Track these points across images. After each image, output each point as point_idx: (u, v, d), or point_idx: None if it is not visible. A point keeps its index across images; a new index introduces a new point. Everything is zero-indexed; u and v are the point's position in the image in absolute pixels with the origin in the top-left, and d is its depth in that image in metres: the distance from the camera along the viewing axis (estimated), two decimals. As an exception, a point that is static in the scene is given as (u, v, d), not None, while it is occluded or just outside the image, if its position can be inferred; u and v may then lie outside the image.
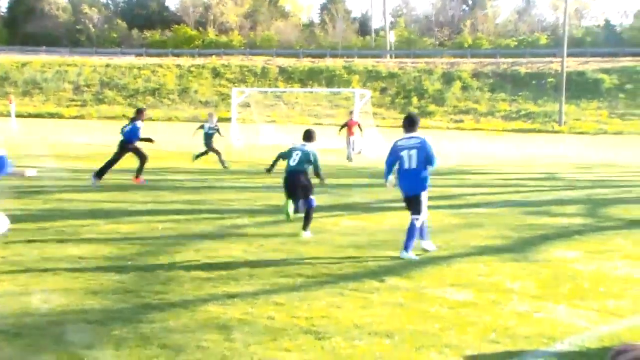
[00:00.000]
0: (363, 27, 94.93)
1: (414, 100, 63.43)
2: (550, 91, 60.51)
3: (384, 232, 12.09)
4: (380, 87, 65.36)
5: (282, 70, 71.28)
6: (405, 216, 10.86)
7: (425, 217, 10.75)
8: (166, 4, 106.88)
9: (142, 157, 18.66)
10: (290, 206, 11.94)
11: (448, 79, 65.70)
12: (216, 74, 71.76)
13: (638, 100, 57.72)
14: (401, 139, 10.71)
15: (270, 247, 10.43)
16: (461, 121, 58.23)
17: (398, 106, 63.17)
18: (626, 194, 18.97)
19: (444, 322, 7.00)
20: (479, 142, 42.27)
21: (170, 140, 34.81)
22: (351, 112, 31.94)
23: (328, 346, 6.26)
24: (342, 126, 30.53)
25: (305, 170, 12.53)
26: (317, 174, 12.57)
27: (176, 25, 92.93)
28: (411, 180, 10.62)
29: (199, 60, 75.60)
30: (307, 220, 11.82)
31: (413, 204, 10.68)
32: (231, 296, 7.77)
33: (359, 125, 30.64)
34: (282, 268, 9.13)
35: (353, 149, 30.08)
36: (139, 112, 19.07)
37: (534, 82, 62.98)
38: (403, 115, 10.81)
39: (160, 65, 73.74)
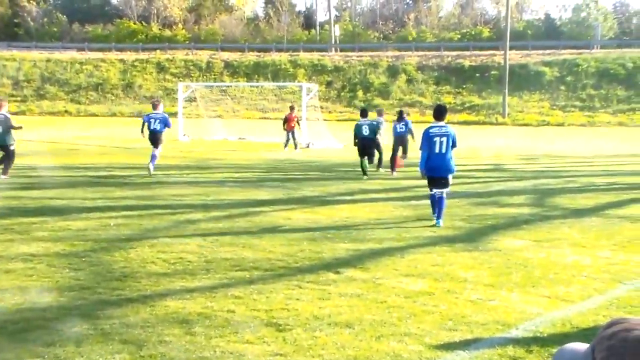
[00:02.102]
0: (308, 21, 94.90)
1: (360, 93, 63.78)
2: (493, 84, 61.40)
3: (337, 225, 12.17)
4: (326, 81, 65.53)
5: (228, 65, 70.97)
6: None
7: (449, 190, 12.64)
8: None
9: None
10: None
11: (393, 72, 66.17)
12: (161, 68, 71.12)
13: (578, 93, 58.98)
14: (432, 127, 12.44)
15: (226, 242, 10.43)
16: (407, 114, 58.70)
17: (344, 100, 63.48)
18: (571, 183, 19.40)
19: (402, 311, 7.11)
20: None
21: (115, 136, 34.41)
22: (291, 107, 32.12)
23: (289, 338, 6.31)
24: (284, 121, 30.89)
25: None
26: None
27: (119, 20, 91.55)
28: (445, 162, 12.28)
29: (143, 55, 74.79)
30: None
31: (442, 182, 12.39)
32: (189, 291, 7.77)
33: (297, 120, 31.03)
34: (238, 262, 9.15)
35: (295, 140, 30.55)
36: None
37: (477, 75, 63.83)
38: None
39: (103, 60, 72.76)
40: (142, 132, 20.75)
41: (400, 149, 22.25)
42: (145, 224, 11.95)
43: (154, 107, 21.22)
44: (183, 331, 6.43)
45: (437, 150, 12.22)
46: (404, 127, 22.50)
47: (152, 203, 14.62)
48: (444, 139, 12.20)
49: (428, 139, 12.32)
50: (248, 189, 17.21)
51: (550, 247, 10.34)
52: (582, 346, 1.66)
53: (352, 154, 28.27)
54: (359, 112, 22.10)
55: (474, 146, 31.91)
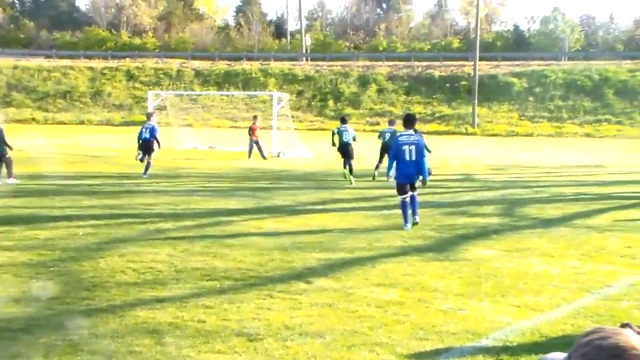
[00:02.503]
0: (279, 30, 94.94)
1: (331, 103, 63.87)
2: (463, 94, 61.82)
3: (308, 234, 12.16)
4: (297, 90, 65.53)
5: (198, 73, 70.74)
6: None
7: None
8: (76, 4, 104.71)
9: None
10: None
11: (364, 82, 66.37)
12: (130, 76, 70.68)
13: (546, 103, 59.57)
14: (401, 136, 13.32)
15: (196, 251, 10.37)
16: (377, 124, 58.78)
17: (314, 109, 63.52)
18: (539, 194, 19.57)
19: (373, 321, 7.12)
20: (395, 144, 42.81)
21: (83, 144, 34.12)
22: (254, 117, 32.30)
23: (260, 347, 6.29)
24: (249, 131, 31.02)
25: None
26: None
27: (87, 27, 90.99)
28: (414, 168, 12.96)
29: (112, 63, 74.29)
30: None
31: (413, 186, 13.07)
32: (159, 300, 7.72)
33: (252, 129, 31.10)
34: (208, 272, 9.10)
35: (260, 150, 30.64)
36: None
37: (447, 85, 64.22)
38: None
39: (71, 68, 72.13)
40: (138, 141, 22.51)
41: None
42: (114, 233, 11.85)
43: (148, 117, 23.34)
44: (153, 341, 6.38)
45: (407, 158, 12.87)
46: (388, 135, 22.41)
47: (121, 212, 14.49)
48: (413, 147, 12.87)
49: (397, 147, 13.05)
50: (218, 198, 17.15)
51: (520, 257, 10.42)
52: (561, 355, 1.68)
53: (323, 164, 28.35)
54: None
55: (443, 156, 32.10)
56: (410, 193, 12.99)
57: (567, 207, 16.46)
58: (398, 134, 20.57)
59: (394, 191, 13.80)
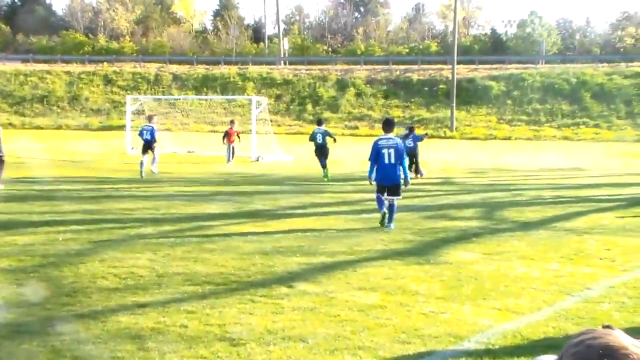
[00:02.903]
0: (256, 34, 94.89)
1: (309, 107, 63.88)
2: (441, 97, 62.06)
3: (289, 238, 12.15)
4: (275, 94, 65.49)
5: (176, 77, 70.52)
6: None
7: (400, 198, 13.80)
8: (53, 8, 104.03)
9: None
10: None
11: (342, 85, 66.45)
12: (108, 81, 70.30)
13: (524, 107, 59.91)
14: (381, 139, 13.75)
15: (177, 256, 10.35)
16: (356, 127, 59.01)
17: (293, 113, 63.50)
18: (518, 197, 19.70)
19: (355, 325, 7.14)
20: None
21: (61, 149, 33.88)
22: (231, 121, 32.37)
23: (243, 352, 6.29)
24: (224, 135, 31.14)
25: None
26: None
27: (65, 31, 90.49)
28: (392, 172, 13.49)
29: (90, 67, 73.85)
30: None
31: (393, 190, 13.53)
32: (141, 306, 7.69)
33: (237, 134, 31.27)
34: (190, 276, 9.08)
35: (232, 156, 30.75)
36: None
37: (425, 88, 64.44)
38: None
39: (48, 72, 71.63)
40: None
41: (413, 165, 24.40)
42: (94, 239, 11.79)
43: (149, 119, 25.90)
44: (136, 347, 6.36)
45: (386, 161, 13.47)
46: (412, 142, 24.95)
47: (101, 217, 14.42)
48: (392, 150, 13.45)
49: (377, 151, 13.58)
50: (198, 203, 17.11)
51: (500, 260, 10.48)
52: (551, 357, 1.71)
53: (302, 168, 28.36)
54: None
55: (422, 160, 32.22)
56: (389, 199, 13.52)
57: (546, 210, 16.59)
58: (406, 140, 23.29)
59: (373, 195, 14.00)
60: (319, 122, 25.81)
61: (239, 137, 31.72)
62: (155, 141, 24.73)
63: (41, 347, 6.32)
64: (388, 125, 14.26)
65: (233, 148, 31.32)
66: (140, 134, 25.05)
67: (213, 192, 20.30)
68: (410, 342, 6.64)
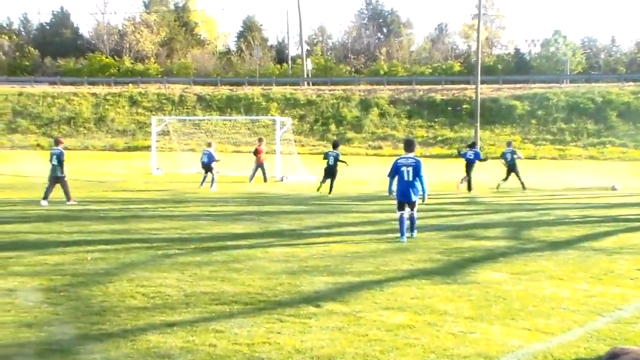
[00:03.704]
0: (280, 55, 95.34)
1: (333, 127, 64.00)
2: (465, 117, 61.98)
3: (315, 258, 12.14)
4: (299, 115, 65.72)
5: (200, 98, 70.99)
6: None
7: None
8: (80, 31, 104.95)
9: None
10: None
11: (365, 105, 66.55)
12: (133, 102, 70.94)
13: (549, 126, 59.66)
14: (401, 158, 14.83)
15: (204, 275, 10.38)
16: (379, 147, 59.03)
17: (317, 133, 63.66)
18: (545, 216, 19.57)
19: (383, 344, 7.11)
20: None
21: (88, 170, 34.12)
22: (259, 139, 32.70)
23: (273, 372, 6.28)
24: (255, 152, 31.56)
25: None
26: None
27: (91, 53, 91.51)
28: (410, 188, 14.46)
29: (116, 89, 74.60)
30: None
31: (411, 205, 14.62)
32: (170, 325, 7.72)
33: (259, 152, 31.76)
34: (217, 296, 9.10)
35: (264, 175, 31.10)
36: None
37: (449, 108, 64.37)
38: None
39: (75, 94, 72.44)
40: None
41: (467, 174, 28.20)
42: (122, 258, 11.85)
43: (208, 145, 29.63)
44: (165, 366, 6.38)
45: (405, 178, 14.48)
46: (472, 155, 28.56)
47: (128, 237, 14.52)
48: (410, 169, 14.42)
49: (396, 169, 14.67)
50: (224, 223, 17.17)
51: (528, 280, 10.40)
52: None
53: (326, 188, 28.37)
54: (332, 145, 28.48)
55: (447, 180, 32.12)
56: (408, 211, 14.63)
57: (573, 230, 16.45)
58: (468, 152, 28.33)
59: (398, 215, 14.16)
60: (335, 145, 28.06)
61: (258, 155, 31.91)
62: (213, 162, 28.09)
63: (72, 366, 6.35)
64: (408, 145, 15.23)
65: (261, 166, 31.53)
66: (202, 158, 28.72)
67: (238, 212, 20.37)
68: (440, 362, 6.60)
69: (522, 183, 28.38)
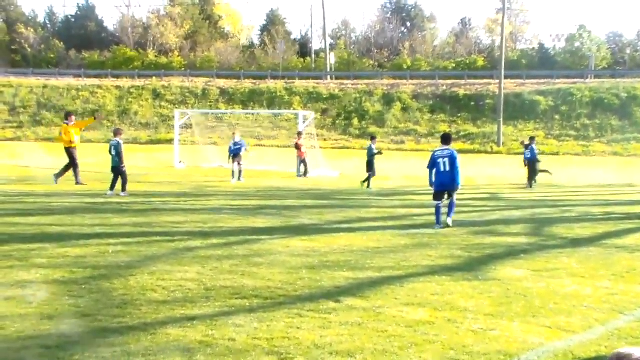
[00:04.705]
0: (303, 49, 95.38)
1: (355, 121, 63.96)
2: (488, 112, 61.68)
3: (335, 253, 12.14)
4: (322, 109, 65.73)
5: (223, 92, 71.18)
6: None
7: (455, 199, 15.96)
8: (105, 24, 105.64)
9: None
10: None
11: (388, 100, 66.42)
12: (156, 95, 71.27)
13: (572, 122, 59.25)
14: (437, 151, 15.89)
15: (225, 269, 10.41)
16: (402, 142, 58.94)
17: (339, 127, 63.63)
18: (567, 213, 19.45)
19: (403, 341, 7.10)
20: (420, 163, 42.74)
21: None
22: (298, 133, 33.01)
23: (292, 367, 6.29)
24: (295, 147, 32.68)
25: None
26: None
27: (115, 46, 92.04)
28: (448, 178, 15.51)
29: (139, 82, 74.99)
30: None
31: (449, 193, 15.72)
32: (190, 319, 7.74)
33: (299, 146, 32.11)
34: (238, 290, 9.12)
35: (304, 169, 31.36)
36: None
37: (472, 103, 64.10)
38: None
39: (99, 87, 72.93)
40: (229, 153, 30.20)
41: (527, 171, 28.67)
42: (144, 251, 11.91)
43: (233, 134, 31.03)
44: (185, 359, 6.40)
45: (442, 169, 15.51)
46: (529, 153, 28.76)
47: (150, 230, 14.60)
48: (446, 160, 15.47)
49: (433, 161, 15.68)
50: (245, 217, 17.21)
51: (550, 277, 10.34)
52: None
53: (348, 182, 28.39)
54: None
55: (469, 175, 31.99)
56: (444, 201, 15.73)
57: (596, 227, 16.35)
58: (526, 151, 28.64)
59: (420, 210, 14.13)
60: (371, 138, 29.12)
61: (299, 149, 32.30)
62: (243, 150, 29.50)
63: (92, 358, 6.40)
64: (445, 139, 16.14)
65: (304, 161, 31.86)
66: (230, 147, 30.00)
67: (260, 205, 20.41)
68: (459, 359, 6.58)
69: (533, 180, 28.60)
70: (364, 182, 26.63)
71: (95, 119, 28.61)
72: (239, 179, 28.46)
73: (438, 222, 15.49)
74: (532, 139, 30.48)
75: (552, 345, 7.07)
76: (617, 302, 8.91)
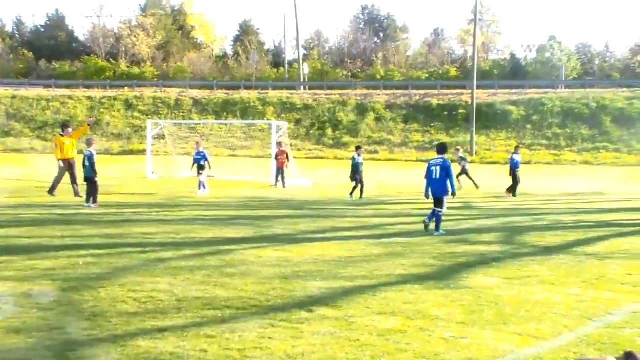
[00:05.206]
0: (276, 59, 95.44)
1: (329, 131, 64.03)
2: (461, 122, 62.05)
3: (308, 263, 12.12)
4: (295, 119, 65.74)
5: (196, 102, 70.98)
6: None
7: (444, 210, 16.57)
8: (75, 34, 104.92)
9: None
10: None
11: (362, 110, 66.59)
12: (129, 105, 70.91)
13: (544, 131, 59.76)
14: (432, 159, 16.80)
15: (197, 280, 10.34)
16: (376, 152, 59.05)
17: (313, 137, 63.66)
18: (539, 221, 19.60)
19: (375, 350, 7.09)
20: (393, 172, 42.93)
21: (82, 174, 33.96)
22: (278, 144, 33.10)
23: (263, 377, 6.26)
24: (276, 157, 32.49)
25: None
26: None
27: (86, 56, 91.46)
28: (437, 186, 16.24)
29: (111, 92, 74.59)
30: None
31: (438, 202, 16.26)
32: (161, 330, 7.68)
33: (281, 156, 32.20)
34: (210, 301, 9.07)
35: (281, 179, 31.40)
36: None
37: (445, 113, 64.43)
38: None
39: (70, 97, 72.40)
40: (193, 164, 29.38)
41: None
42: (114, 263, 11.81)
43: (198, 144, 29.70)
44: (155, 371, 6.36)
45: (433, 177, 16.31)
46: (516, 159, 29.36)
47: (121, 241, 14.48)
48: (438, 168, 16.20)
49: (428, 169, 16.52)
50: (218, 227, 17.13)
51: (521, 285, 10.41)
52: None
53: (322, 192, 28.42)
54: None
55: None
56: (433, 208, 16.29)
57: (567, 235, 16.49)
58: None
59: (393, 219, 14.15)
60: (356, 148, 28.57)
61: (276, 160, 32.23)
62: (207, 162, 28.62)
63: (61, 371, 6.33)
64: (439, 148, 17.14)
65: (282, 171, 31.84)
66: (197, 158, 28.85)
67: (233, 216, 20.35)
68: (431, 368, 6.59)
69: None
70: (352, 192, 26.65)
71: (89, 125, 27.64)
72: (204, 188, 27.87)
73: (429, 219, 16.51)
74: (516, 147, 31.57)
75: (522, 353, 7.11)
76: (586, 308, 8.98)
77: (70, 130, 25.33)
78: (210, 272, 11.05)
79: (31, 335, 7.47)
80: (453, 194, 16.48)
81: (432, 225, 16.46)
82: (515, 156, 29.11)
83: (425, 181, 16.64)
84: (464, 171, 31.79)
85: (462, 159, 32.16)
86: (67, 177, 24.05)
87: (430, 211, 16.64)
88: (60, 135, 24.90)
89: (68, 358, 6.70)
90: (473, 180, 31.77)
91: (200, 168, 28.26)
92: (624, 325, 8.19)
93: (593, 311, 8.85)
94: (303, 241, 15.08)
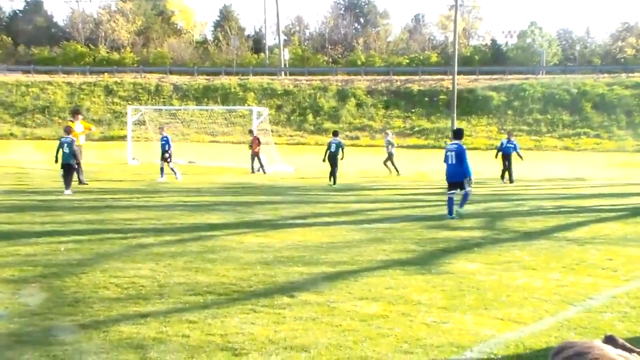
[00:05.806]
0: (257, 45, 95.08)
1: (310, 117, 63.98)
2: (442, 108, 62.22)
3: (290, 248, 12.13)
4: (276, 105, 65.64)
5: (177, 88, 70.67)
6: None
7: (470, 189, 17.01)
8: (54, 19, 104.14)
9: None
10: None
11: (343, 96, 66.57)
12: (109, 91, 70.49)
13: (525, 117, 60.03)
14: (448, 145, 17.38)
15: (179, 266, 10.33)
16: (357, 138, 59.09)
17: (294, 123, 63.60)
18: (520, 207, 19.70)
19: (357, 334, 7.12)
20: (375, 158, 42.89)
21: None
22: (250, 131, 32.87)
23: (246, 362, 6.27)
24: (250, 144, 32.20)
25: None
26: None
27: (65, 42, 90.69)
28: (454, 171, 16.59)
29: (91, 78, 74.08)
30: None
31: (458, 185, 16.61)
32: (143, 316, 7.67)
33: (258, 141, 31.94)
34: (191, 286, 9.07)
35: (259, 166, 31.27)
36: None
37: (426, 99, 64.56)
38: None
39: (49, 83, 71.84)
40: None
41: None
42: (96, 249, 11.77)
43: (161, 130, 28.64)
44: (138, 357, 6.34)
45: (450, 162, 16.66)
46: (509, 146, 28.68)
47: (102, 227, 14.41)
48: (453, 153, 16.53)
49: (445, 155, 16.91)
50: (199, 213, 17.10)
51: (502, 270, 10.47)
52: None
53: (303, 178, 28.42)
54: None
55: (423, 170, 32.25)
56: (456, 191, 16.62)
57: (547, 220, 16.59)
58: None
59: (374, 205, 14.17)
60: (334, 133, 27.81)
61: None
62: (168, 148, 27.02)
63: (43, 357, 6.30)
64: (455, 134, 17.62)
65: (258, 158, 31.68)
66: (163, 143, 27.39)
67: (214, 202, 20.31)
68: (413, 352, 6.62)
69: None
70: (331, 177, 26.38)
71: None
72: (163, 175, 26.89)
73: (450, 212, 16.43)
74: (509, 133, 31.24)
75: (503, 337, 7.16)
76: (566, 293, 9.05)
77: (80, 117, 25.38)
78: (192, 257, 11.04)
79: (13, 322, 7.44)
80: (469, 179, 16.73)
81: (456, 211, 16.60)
82: (507, 143, 28.77)
83: (445, 166, 17.00)
84: (389, 156, 31.30)
85: (390, 143, 31.36)
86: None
87: (448, 201, 16.85)
88: (71, 121, 24.67)
89: (50, 344, 6.68)
90: (395, 167, 31.16)
91: (163, 153, 27.05)
92: (604, 310, 8.26)
93: (573, 296, 8.92)
94: (284, 227, 15.10)
